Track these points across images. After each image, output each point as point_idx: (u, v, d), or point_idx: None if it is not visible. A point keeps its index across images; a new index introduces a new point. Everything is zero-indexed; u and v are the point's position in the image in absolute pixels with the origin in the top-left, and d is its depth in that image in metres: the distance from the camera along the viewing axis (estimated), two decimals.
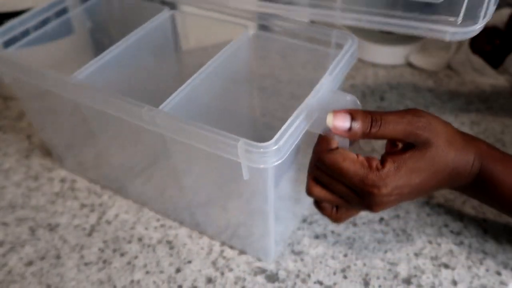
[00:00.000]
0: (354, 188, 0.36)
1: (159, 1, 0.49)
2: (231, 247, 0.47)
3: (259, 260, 0.46)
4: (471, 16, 0.29)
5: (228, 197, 0.43)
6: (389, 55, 0.75)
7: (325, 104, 0.36)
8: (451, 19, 0.30)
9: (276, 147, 0.31)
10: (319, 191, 0.38)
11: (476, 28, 0.28)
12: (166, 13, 0.49)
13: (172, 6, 0.49)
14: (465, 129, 0.61)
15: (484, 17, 0.28)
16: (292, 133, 0.33)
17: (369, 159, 0.36)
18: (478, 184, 0.40)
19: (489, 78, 0.73)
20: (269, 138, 0.32)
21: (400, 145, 0.38)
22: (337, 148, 0.36)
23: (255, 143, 0.31)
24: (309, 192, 0.39)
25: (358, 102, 0.36)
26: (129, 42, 0.45)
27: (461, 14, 0.29)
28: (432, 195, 0.52)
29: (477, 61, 0.73)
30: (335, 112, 0.34)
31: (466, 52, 0.74)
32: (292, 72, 0.57)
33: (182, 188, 0.43)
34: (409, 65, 0.74)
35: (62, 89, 0.40)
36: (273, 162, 0.31)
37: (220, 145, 0.32)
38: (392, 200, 0.36)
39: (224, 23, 0.48)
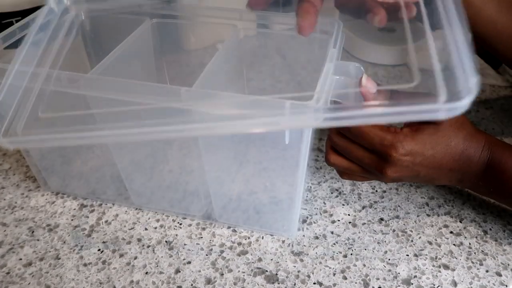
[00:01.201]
0: (372, 148, 0.40)
1: (140, 13, 0.53)
2: (247, 229, 0.47)
3: (281, 239, 0.46)
4: (454, 94, 0.27)
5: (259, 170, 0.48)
6: (389, 55, 0.75)
7: (340, 72, 0.39)
8: (434, 101, 0.27)
9: (317, 105, 0.34)
10: (336, 158, 0.43)
11: (463, 104, 0.26)
12: (148, 23, 0.53)
13: (152, 16, 0.53)
14: None
15: (469, 92, 0.26)
16: (327, 91, 0.36)
17: (387, 126, 0.40)
18: (488, 173, 0.41)
19: (489, 78, 0.73)
20: None
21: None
22: None
23: (299, 102, 0.34)
24: (327, 159, 0.44)
25: (362, 69, 0.39)
26: (120, 51, 0.48)
27: (442, 94, 0.27)
28: (432, 196, 0.52)
29: (477, 61, 0.73)
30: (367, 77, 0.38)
31: None
32: (292, 72, 0.57)
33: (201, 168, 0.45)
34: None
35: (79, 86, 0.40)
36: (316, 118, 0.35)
37: (267, 109, 0.34)
38: (406, 165, 0.39)
39: (214, 24, 0.52)
